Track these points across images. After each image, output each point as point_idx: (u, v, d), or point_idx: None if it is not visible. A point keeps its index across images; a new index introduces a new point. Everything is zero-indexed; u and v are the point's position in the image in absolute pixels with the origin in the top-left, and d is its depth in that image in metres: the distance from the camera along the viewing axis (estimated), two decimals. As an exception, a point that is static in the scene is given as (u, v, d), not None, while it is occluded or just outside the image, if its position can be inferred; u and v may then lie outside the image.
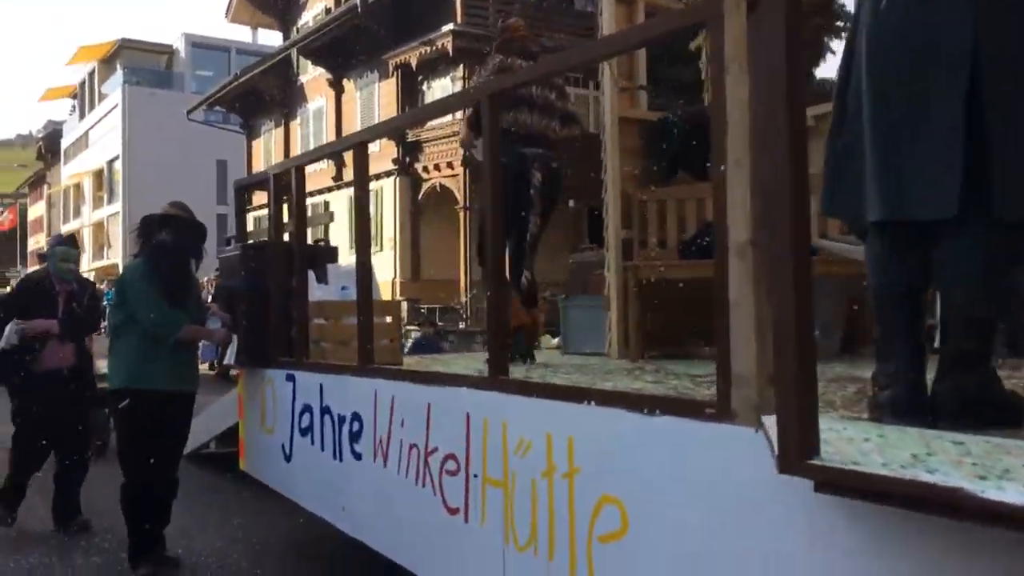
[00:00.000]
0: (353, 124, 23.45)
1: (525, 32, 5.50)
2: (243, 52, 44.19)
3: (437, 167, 20.34)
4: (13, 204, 78.84)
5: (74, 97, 56.70)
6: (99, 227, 48.85)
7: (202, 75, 45.74)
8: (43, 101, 61.26)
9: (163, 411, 5.04)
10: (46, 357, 5.76)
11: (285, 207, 5.40)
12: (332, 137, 25.67)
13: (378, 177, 21.63)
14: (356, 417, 4.50)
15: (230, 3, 31.57)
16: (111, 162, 48.17)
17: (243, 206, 6.08)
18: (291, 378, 5.13)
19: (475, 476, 3.66)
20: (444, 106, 4.84)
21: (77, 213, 55.54)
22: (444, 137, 18.25)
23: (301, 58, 25.20)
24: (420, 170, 21.12)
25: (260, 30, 37.10)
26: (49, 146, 64.87)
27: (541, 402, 3.31)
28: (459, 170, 19.27)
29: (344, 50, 23.44)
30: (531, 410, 3.35)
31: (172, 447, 5.22)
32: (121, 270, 5.18)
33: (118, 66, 47.39)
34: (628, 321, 5.12)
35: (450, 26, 19.37)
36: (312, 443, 4.91)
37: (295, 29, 29.56)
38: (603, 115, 5.25)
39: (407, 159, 21.09)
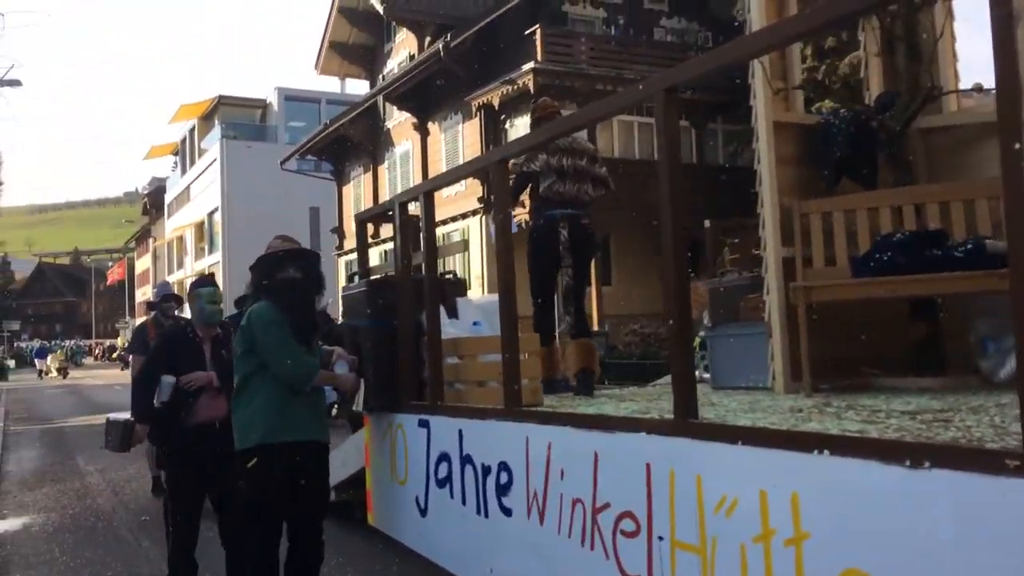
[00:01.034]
0: (439, 166, 23.47)
1: (555, 108, 5.92)
2: (333, 102, 44.74)
3: (523, 203, 19.81)
4: (122, 258, 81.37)
5: (176, 154, 58.27)
6: (200, 276, 49.59)
7: (294, 126, 46.46)
8: (148, 159, 62.96)
9: (303, 466, 4.51)
10: (200, 409, 5.15)
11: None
12: (418, 179, 25.62)
13: (464, 216, 21.30)
14: (504, 467, 3.93)
15: (319, 55, 32.01)
16: (211, 214, 49.09)
17: (364, 240, 5.61)
18: (424, 424, 4.59)
19: (660, 539, 3.05)
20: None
21: (180, 264, 56.78)
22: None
23: (387, 104, 25.46)
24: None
25: (348, 80, 37.39)
26: (154, 201, 66.74)
27: (751, 451, 2.69)
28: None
29: (428, 94, 23.58)
30: (736, 460, 2.73)
31: (316, 503, 4.67)
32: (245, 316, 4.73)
33: (216, 121, 48.42)
34: (796, 350, 4.45)
35: (531, 64, 19.25)
36: (452, 496, 4.35)
37: (381, 77, 29.90)
38: (755, 120, 4.62)
39: (492, 196, 20.65)
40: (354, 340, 5.07)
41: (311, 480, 4.57)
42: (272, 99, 49.72)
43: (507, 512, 3.91)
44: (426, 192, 4.63)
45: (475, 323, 4.79)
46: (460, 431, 4.28)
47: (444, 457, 4.42)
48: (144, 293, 71.77)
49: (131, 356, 8.52)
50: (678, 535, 2.98)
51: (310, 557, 4.67)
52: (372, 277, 5.15)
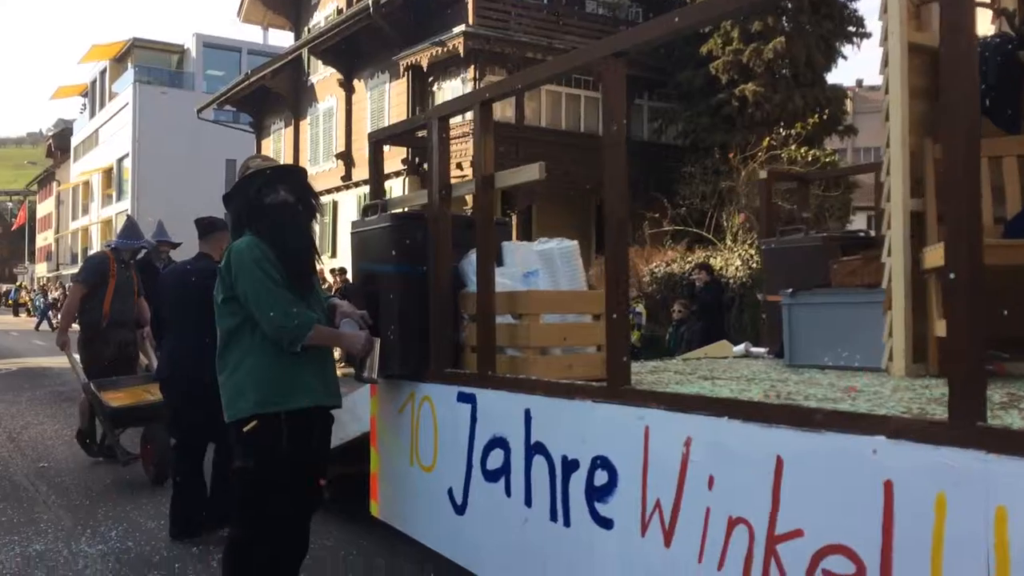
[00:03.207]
0: (363, 124, 22.49)
1: None
2: (255, 52, 42.51)
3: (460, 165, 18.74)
4: (23, 201, 76.03)
5: (85, 95, 54.52)
6: (107, 224, 46.75)
7: (213, 75, 43.98)
8: (54, 99, 58.83)
9: (306, 437, 3.43)
10: None
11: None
12: (341, 137, 24.16)
13: (387, 178, 19.99)
14: (602, 464, 2.82)
15: (242, 3, 30.18)
16: (120, 160, 46.15)
17: (380, 165, 4.30)
18: (468, 399, 3.44)
19: (908, 589, 2.00)
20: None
21: (86, 211, 53.40)
22: (457, 137, 16.50)
23: (312, 58, 24.08)
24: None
25: (272, 30, 35.38)
26: (59, 144, 62.52)
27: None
28: (468, 171, 17.67)
29: (355, 50, 22.47)
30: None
31: (310, 485, 3.59)
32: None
33: (129, 65, 45.41)
34: (920, 324, 3.47)
35: (462, 27, 18.26)
36: (508, 494, 3.23)
37: (306, 29, 28.51)
38: (883, 40, 3.58)
39: (416, 159, 19.38)
40: (367, 290, 3.86)
41: (310, 452, 3.51)
42: (190, 45, 46.78)
43: (604, 523, 2.82)
44: (483, 103, 3.42)
45: (528, 273, 3.64)
46: (527, 411, 3.14)
47: (498, 443, 3.29)
48: (46, 239, 67.27)
49: (72, 284, 7.72)
50: (945, 587, 1.94)
51: (298, 552, 3.66)
52: (397, 210, 3.90)
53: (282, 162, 3.59)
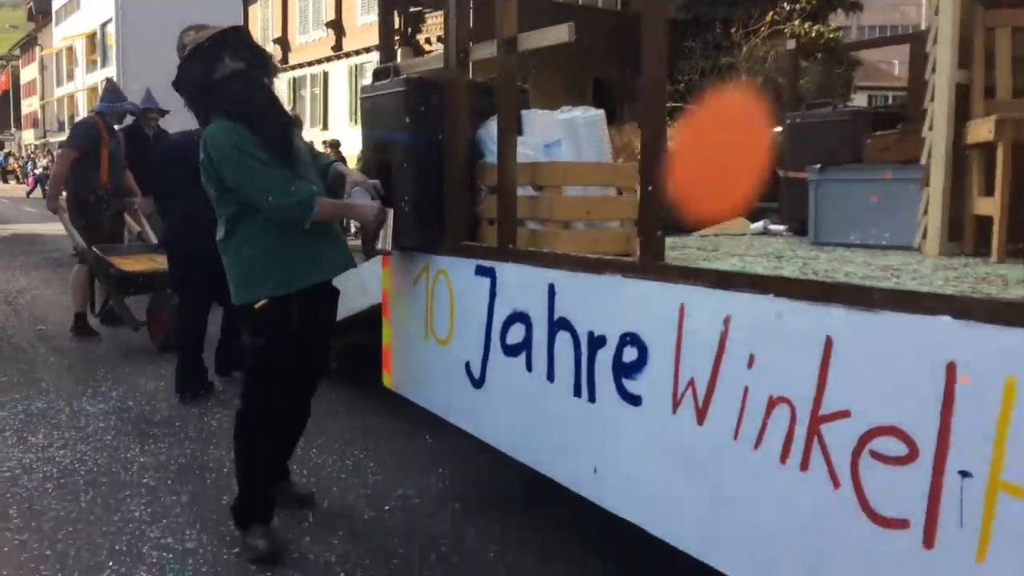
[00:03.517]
0: None
1: None
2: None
3: (441, 39, 18.06)
4: (5, 67, 73.79)
5: (64, -46, 52.09)
6: (92, 91, 45.53)
7: (200, -64, 41.79)
8: (33, -41, 56.36)
9: (314, 311, 3.38)
10: None
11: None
12: (331, 5, 23.22)
13: (369, 50, 19.37)
14: (631, 341, 2.71)
15: None
16: (104, 25, 44.50)
17: (391, 26, 3.99)
18: (487, 272, 3.30)
19: (964, 475, 1.91)
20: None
21: (70, 77, 51.92)
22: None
23: None
24: (423, 42, 18.71)
25: None
26: (40, 7, 60.13)
27: None
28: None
29: None
30: None
31: (318, 353, 3.57)
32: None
33: (113, -77, 43.10)
34: (958, 202, 3.32)
35: None
36: (529, 368, 3.12)
37: None
38: None
39: (409, 29, 18.66)
40: (379, 159, 3.65)
41: (318, 327, 3.45)
42: (176, -97, 44.40)
43: (632, 400, 2.72)
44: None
45: (550, 144, 3.44)
46: (551, 286, 3.00)
47: (519, 318, 3.16)
48: (31, 105, 65.63)
49: (61, 149, 7.46)
50: (1006, 473, 1.84)
51: (300, 418, 3.70)
52: (410, 75, 3.65)
53: (216, 27, 3.30)
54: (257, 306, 3.21)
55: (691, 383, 2.53)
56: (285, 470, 3.79)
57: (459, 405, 3.52)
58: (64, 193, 7.25)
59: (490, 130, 3.45)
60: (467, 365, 3.44)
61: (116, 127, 7.56)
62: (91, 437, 4.73)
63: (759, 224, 4.90)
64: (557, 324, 3.00)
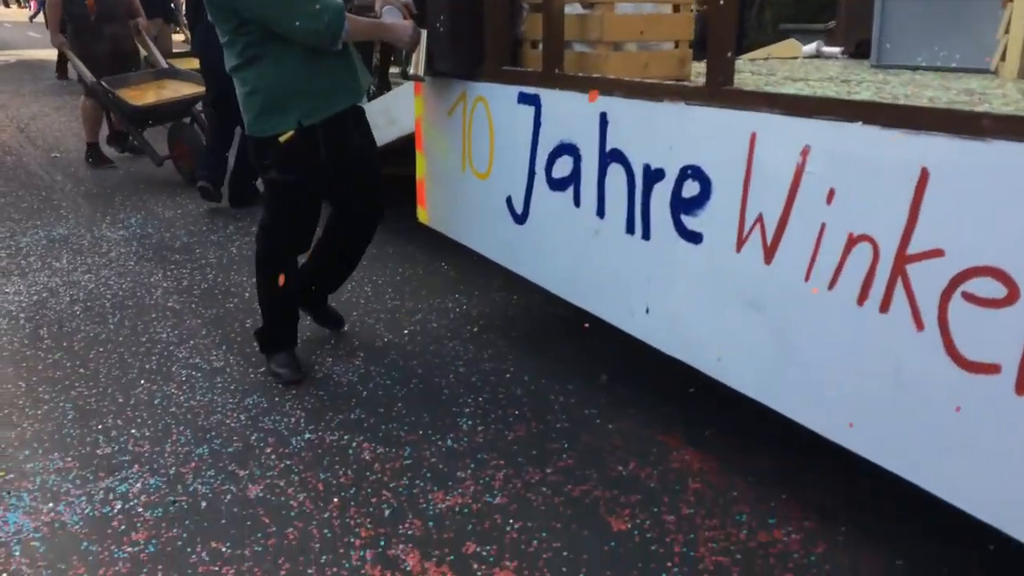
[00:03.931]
0: None
1: None
2: None
3: None
4: None
5: None
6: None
7: None
8: None
9: (343, 137, 3.20)
10: None
11: None
12: None
13: None
14: (692, 174, 2.50)
15: None
16: None
17: None
18: (530, 100, 3.05)
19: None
20: None
21: None
22: None
23: None
24: None
25: None
26: None
27: None
28: None
29: None
30: None
31: (364, 187, 3.44)
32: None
33: None
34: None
35: None
36: (577, 203, 2.93)
37: None
38: None
39: None
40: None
41: (355, 152, 3.29)
42: None
43: (691, 237, 2.54)
44: None
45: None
46: (603, 115, 2.76)
47: (566, 149, 2.94)
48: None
49: None
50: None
51: (371, 219, 3.53)
52: None
53: None
54: (282, 139, 3.01)
55: (759, 219, 2.35)
56: (322, 297, 3.69)
57: (499, 242, 3.36)
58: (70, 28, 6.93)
59: (532, -60, 3.11)
60: (508, 200, 3.25)
61: None
62: (114, 262, 4.79)
63: (811, 46, 4.55)
64: (609, 156, 2.78)
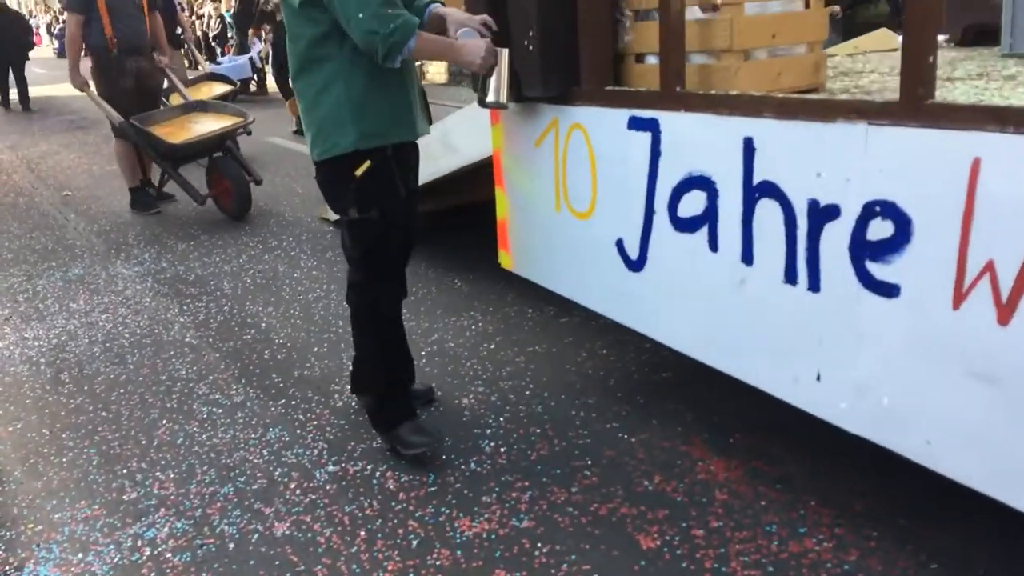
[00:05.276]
0: None
1: None
2: None
3: None
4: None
5: None
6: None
7: None
8: None
9: (406, 171, 2.79)
10: None
11: None
12: None
13: None
14: (883, 211, 1.96)
15: None
16: None
17: None
18: (647, 126, 2.50)
19: None
20: None
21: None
22: None
23: None
24: None
25: None
26: None
27: None
28: None
29: None
30: None
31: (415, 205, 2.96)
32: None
33: None
34: None
35: None
36: (715, 248, 2.39)
37: None
38: None
39: None
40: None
41: (412, 193, 2.90)
42: None
43: (884, 289, 1.99)
44: None
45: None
46: (748, 141, 2.22)
47: (697, 183, 2.40)
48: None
49: (66, 13, 6.51)
50: None
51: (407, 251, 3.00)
52: None
53: None
54: (359, 173, 2.54)
55: (989, 267, 1.79)
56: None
57: (608, 292, 2.81)
58: (91, 64, 6.45)
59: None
60: (619, 243, 2.70)
61: None
62: (130, 300, 4.73)
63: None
64: (758, 190, 2.24)
